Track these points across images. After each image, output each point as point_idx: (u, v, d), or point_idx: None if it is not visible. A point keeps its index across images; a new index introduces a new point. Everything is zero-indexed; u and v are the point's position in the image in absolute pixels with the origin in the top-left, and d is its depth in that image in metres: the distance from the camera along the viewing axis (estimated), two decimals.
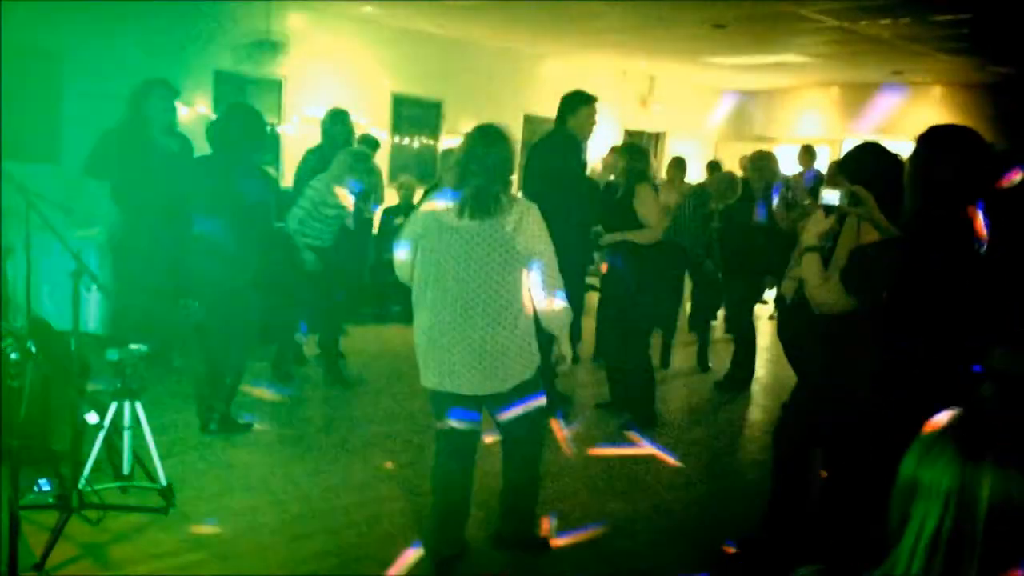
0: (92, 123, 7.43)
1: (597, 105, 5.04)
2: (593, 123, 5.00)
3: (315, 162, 5.72)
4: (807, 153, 9.38)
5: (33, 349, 2.24)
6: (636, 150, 5.30)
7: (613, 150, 6.75)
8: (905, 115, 11.31)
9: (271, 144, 8.18)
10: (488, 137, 3.02)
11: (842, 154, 5.06)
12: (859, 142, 3.29)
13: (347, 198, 5.41)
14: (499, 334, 2.95)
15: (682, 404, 6.05)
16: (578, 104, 4.93)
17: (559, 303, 3.04)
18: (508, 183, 3.02)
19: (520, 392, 3.08)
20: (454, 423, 3.12)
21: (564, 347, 3.17)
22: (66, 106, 7.69)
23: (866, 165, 3.04)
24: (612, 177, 5.85)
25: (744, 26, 8.28)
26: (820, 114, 12.74)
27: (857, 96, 12.09)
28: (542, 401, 3.19)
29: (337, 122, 5.98)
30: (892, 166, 2.92)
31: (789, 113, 13.22)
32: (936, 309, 2.20)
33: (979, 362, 2.19)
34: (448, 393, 3.04)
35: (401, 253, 3.13)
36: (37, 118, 7.59)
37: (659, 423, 5.27)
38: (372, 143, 7.61)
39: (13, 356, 2.31)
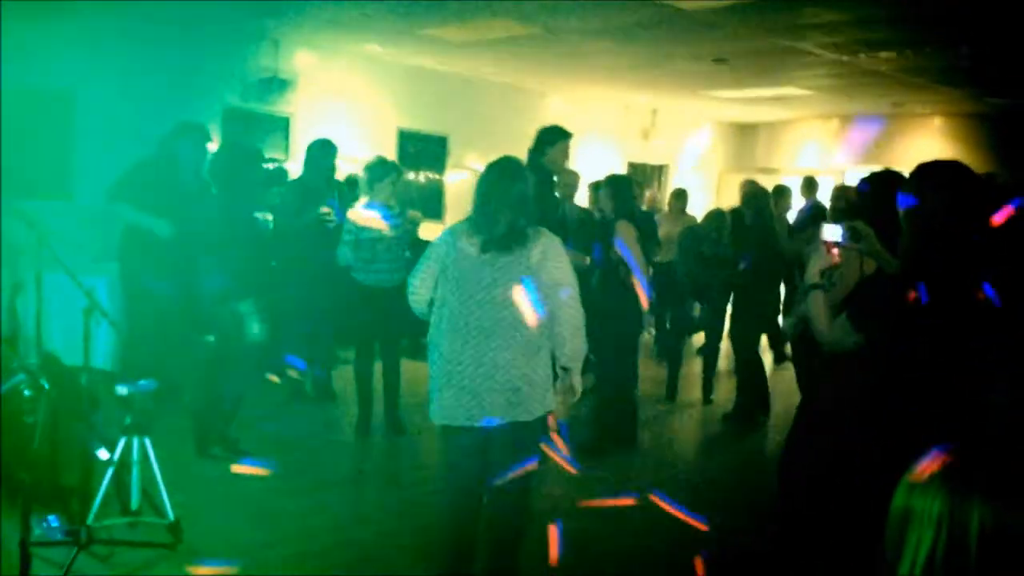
0: (104, 160, 7.58)
1: (596, 139, 5.16)
2: (566, 158, 5.08)
3: (296, 194, 5.66)
4: (808, 186, 9.45)
5: (46, 386, 2.27)
6: (617, 183, 5.31)
7: (597, 184, 6.77)
8: (905, 146, 11.40)
9: (276, 181, 8.28)
10: (509, 170, 3.05)
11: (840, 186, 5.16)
12: (866, 173, 3.34)
13: (379, 222, 5.23)
14: (524, 366, 2.94)
15: (689, 436, 6.04)
16: (556, 138, 5.01)
17: (579, 334, 3.05)
18: (530, 216, 3.04)
19: (531, 428, 3.03)
20: (464, 459, 3.07)
21: (576, 380, 3.14)
22: (78, 143, 7.81)
23: (879, 195, 3.06)
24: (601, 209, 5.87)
25: (745, 60, 8.40)
26: (821, 146, 12.85)
27: (857, 128, 12.19)
28: (541, 441, 3.15)
29: (327, 153, 5.91)
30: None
31: (790, 145, 13.33)
32: (926, 347, 2.22)
33: (972, 399, 2.20)
34: (460, 427, 3.00)
35: (418, 285, 3.11)
36: (50, 155, 7.71)
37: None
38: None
39: (27, 392, 2.35)
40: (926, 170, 2.36)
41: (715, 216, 6.97)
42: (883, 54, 7.73)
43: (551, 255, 2.98)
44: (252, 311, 4.56)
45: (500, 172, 3.05)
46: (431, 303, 3.09)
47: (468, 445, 3.04)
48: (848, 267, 3.01)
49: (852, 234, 2.64)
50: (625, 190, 5.23)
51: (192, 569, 3.24)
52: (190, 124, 5.34)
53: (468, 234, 3.01)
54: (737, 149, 13.92)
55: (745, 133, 13.85)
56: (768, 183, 8.60)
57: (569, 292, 3.01)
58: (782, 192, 7.48)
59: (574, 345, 3.05)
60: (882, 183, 3.24)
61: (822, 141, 12.85)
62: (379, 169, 5.38)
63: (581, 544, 3.87)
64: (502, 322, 2.92)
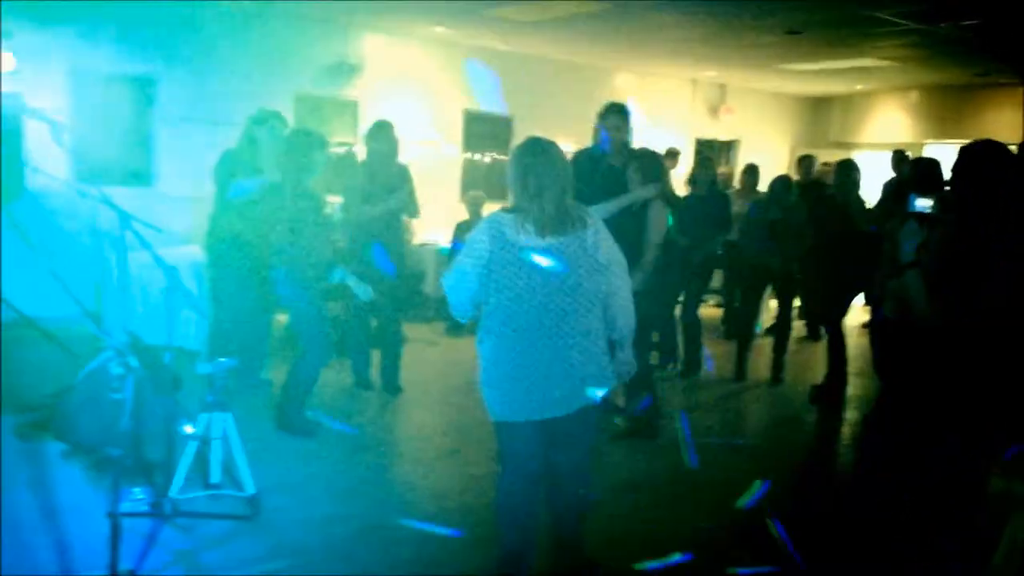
0: (182, 146, 7.84)
1: (663, 116, 5.06)
2: (618, 132, 4.92)
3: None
4: (900, 160, 9.08)
5: (135, 364, 2.37)
6: (645, 159, 5.01)
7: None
8: (988, 118, 10.89)
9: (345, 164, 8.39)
10: (548, 150, 2.91)
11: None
12: (946, 146, 3.23)
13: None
14: (590, 346, 2.90)
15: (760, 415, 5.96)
16: (605, 112, 4.96)
17: (631, 310, 3.02)
18: (572, 195, 2.97)
19: (593, 410, 3.00)
20: (526, 447, 2.99)
21: (629, 354, 3.11)
22: (157, 130, 8.07)
23: (976, 167, 2.96)
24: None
25: (819, 31, 8.14)
26: (899, 119, 12.39)
27: (938, 99, 11.72)
28: (596, 422, 3.12)
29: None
30: (1003, 167, 2.83)
31: (866, 119, 12.89)
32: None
33: None
34: (519, 421, 2.93)
35: (459, 282, 2.91)
36: (131, 143, 7.99)
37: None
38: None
39: (116, 371, 2.46)
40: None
41: (780, 180, 6.79)
42: (966, 22, 7.39)
43: (603, 233, 2.94)
44: (354, 278, 4.69)
45: (537, 152, 2.90)
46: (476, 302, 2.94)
47: (531, 435, 2.97)
48: (941, 242, 2.88)
49: (943, 206, 2.52)
50: (651, 168, 5.04)
51: None
52: (267, 112, 5.44)
53: (515, 222, 2.85)
54: (810, 123, 13.53)
55: (819, 106, 13.45)
56: (843, 157, 8.39)
57: (621, 268, 2.98)
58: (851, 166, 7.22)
59: (626, 321, 3.02)
60: (974, 154, 3.13)
61: (900, 114, 12.39)
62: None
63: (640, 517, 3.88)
64: (566, 309, 2.84)
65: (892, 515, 3.34)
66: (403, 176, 5.77)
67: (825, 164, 9.12)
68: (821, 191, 7.19)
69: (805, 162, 8.43)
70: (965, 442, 2.70)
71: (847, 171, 6.27)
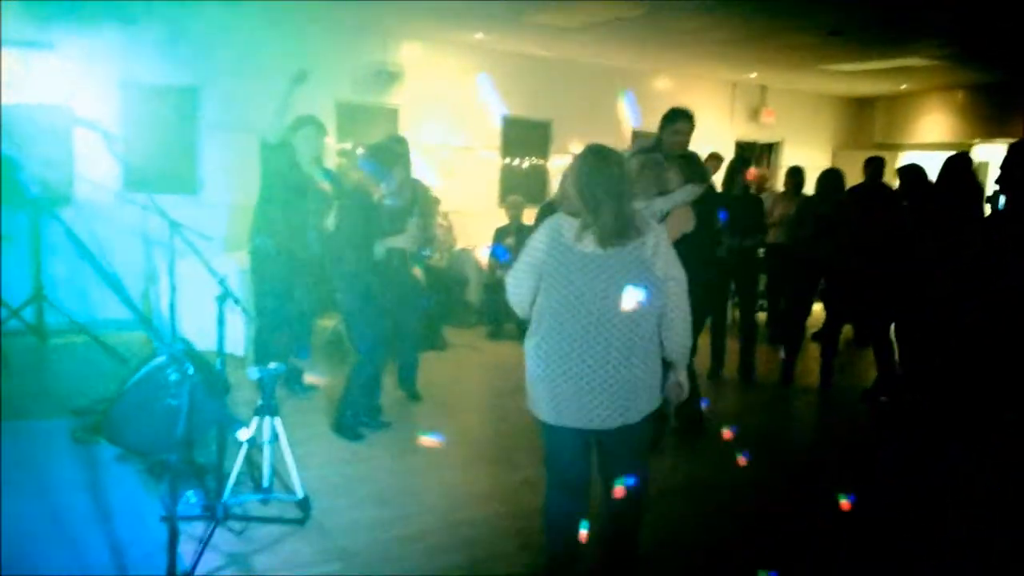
0: (226, 155, 7.96)
1: (703, 118, 5.01)
2: (677, 138, 4.98)
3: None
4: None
5: (191, 371, 2.40)
6: (684, 161, 4.97)
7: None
8: None
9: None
10: (608, 158, 2.88)
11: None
12: (994, 146, 3.19)
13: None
14: (636, 365, 2.83)
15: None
16: (664, 121, 5.05)
17: (688, 328, 2.94)
18: (632, 204, 2.93)
19: (642, 426, 2.95)
20: (572, 457, 2.97)
21: (682, 376, 3.02)
22: (201, 139, 8.20)
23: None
24: None
25: (861, 31, 8.01)
26: (945, 119, 12.15)
27: (985, 99, 11.46)
28: (649, 432, 3.07)
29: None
30: None
31: (911, 119, 12.66)
32: None
33: None
34: (567, 427, 2.91)
35: (519, 280, 2.95)
36: (176, 151, 8.14)
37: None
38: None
39: (173, 377, 2.49)
40: None
41: (829, 174, 6.67)
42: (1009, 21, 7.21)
43: (664, 246, 2.86)
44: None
45: (597, 159, 2.87)
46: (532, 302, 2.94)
47: (577, 444, 2.95)
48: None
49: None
50: (695, 169, 4.99)
51: None
52: (304, 118, 5.51)
53: (574, 229, 2.83)
54: (853, 124, 13.32)
55: (862, 107, 13.24)
56: (888, 159, 8.22)
57: (679, 285, 2.89)
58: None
59: (683, 341, 2.92)
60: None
61: (946, 114, 12.14)
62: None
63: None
64: (619, 321, 2.78)
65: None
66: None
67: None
68: (888, 195, 6.97)
69: (874, 164, 8.02)
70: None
71: (918, 176, 6.11)
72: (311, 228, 5.40)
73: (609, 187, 2.81)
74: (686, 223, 4.58)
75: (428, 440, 4.81)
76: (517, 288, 2.96)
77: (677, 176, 4.69)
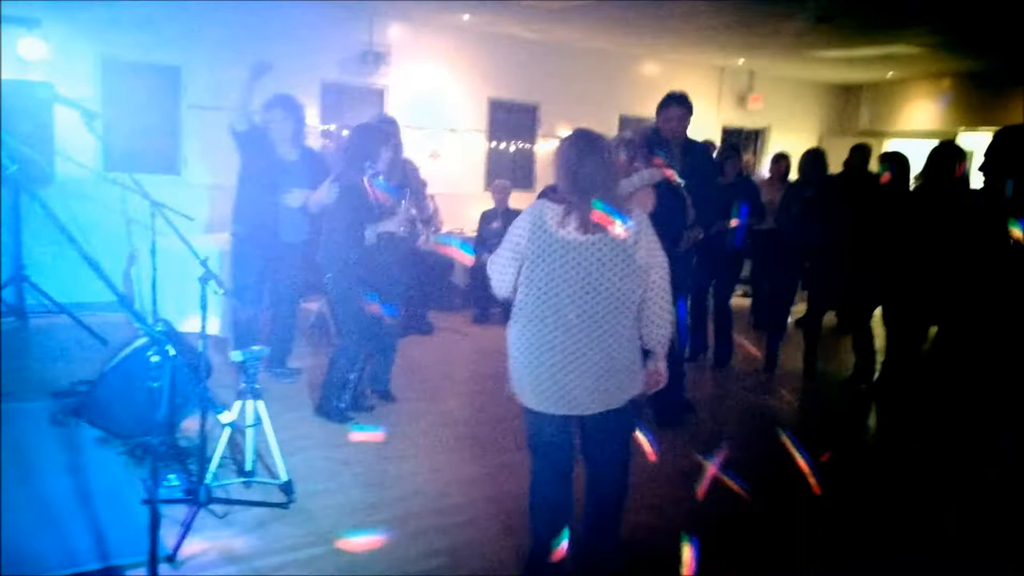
0: (208, 135, 7.87)
1: (690, 104, 4.97)
2: (670, 125, 4.95)
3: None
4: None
5: (172, 353, 2.37)
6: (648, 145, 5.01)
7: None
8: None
9: None
10: (596, 143, 2.89)
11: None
12: (979, 135, 3.20)
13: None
14: (618, 351, 2.84)
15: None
16: (658, 107, 5.02)
17: (669, 317, 2.94)
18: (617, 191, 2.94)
19: (624, 412, 2.96)
20: (556, 443, 2.98)
21: (661, 364, 3.02)
22: (184, 119, 8.10)
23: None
24: None
25: (849, 18, 8.00)
26: (931, 107, 12.18)
27: (971, 87, 11.50)
28: (633, 417, 3.06)
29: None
30: None
31: (897, 107, 12.69)
32: None
33: None
34: (550, 413, 2.91)
35: (501, 267, 2.95)
36: (159, 131, 8.03)
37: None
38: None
39: (154, 359, 2.45)
40: None
41: (810, 154, 6.67)
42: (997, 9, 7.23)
43: (645, 234, 2.86)
44: None
45: (586, 143, 2.88)
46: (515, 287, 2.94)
47: (560, 429, 2.96)
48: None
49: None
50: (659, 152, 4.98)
51: None
52: (273, 100, 5.37)
53: (559, 213, 2.83)
54: (839, 112, 13.35)
55: (848, 95, 13.26)
56: (875, 146, 8.23)
57: (661, 274, 2.90)
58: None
59: (663, 329, 2.94)
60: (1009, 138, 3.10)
61: (932, 102, 12.18)
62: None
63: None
64: (600, 308, 2.79)
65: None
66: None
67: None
68: (872, 183, 6.97)
69: (859, 152, 7.99)
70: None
71: (902, 164, 6.11)
72: (290, 212, 5.33)
73: (596, 172, 2.82)
74: (646, 205, 4.58)
75: (362, 436, 4.70)
76: (500, 275, 2.96)
77: (644, 159, 4.67)
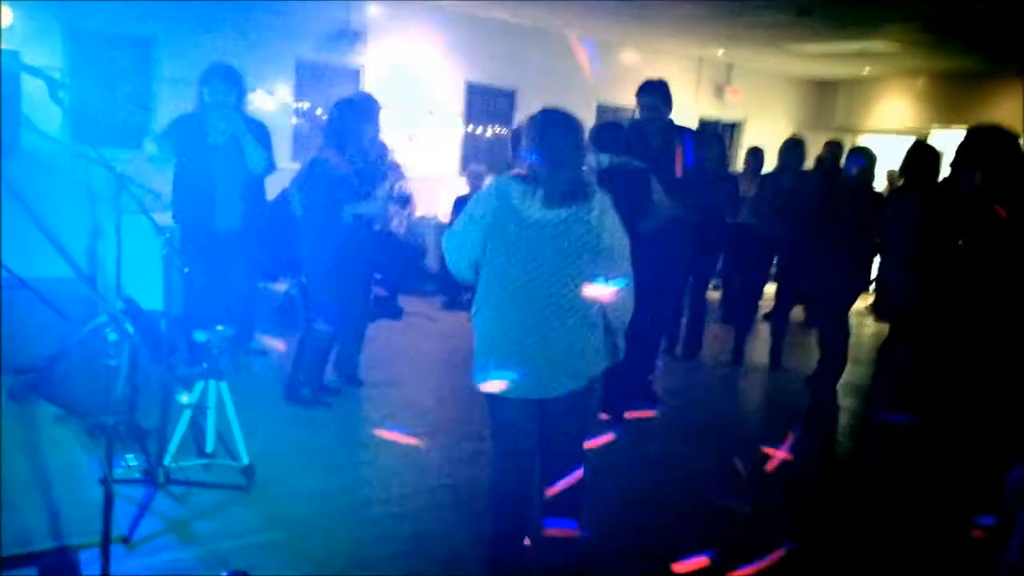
0: (182, 109, 7.72)
1: (664, 91, 4.98)
2: (644, 113, 4.97)
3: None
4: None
5: (131, 331, 2.32)
6: (604, 129, 5.09)
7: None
8: (996, 106, 10.79)
9: None
10: (566, 121, 2.85)
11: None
12: (951, 133, 3.23)
13: None
14: (582, 332, 2.82)
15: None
16: (636, 93, 5.02)
17: (631, 297, 2.93)
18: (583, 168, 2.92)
19: (585, 392, 2.95)
20: (518, 428, 2.95)
21: (620, 341, 3.02)
22: (156, 93, 7.95)
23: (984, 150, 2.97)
24: None
25: (829, 11, 8.03)
26: (905, 105, 12.30)
27: (945, 86, 11.62)
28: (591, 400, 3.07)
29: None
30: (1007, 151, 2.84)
31: (872, 104, 12.79)
32: None
33: None
34: (509, 397, 2.88)
35: (460, 238, 2.87)
36: (128, 105, 7.87)
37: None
38: None
39: (112, 337, 2.41)
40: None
41: (789, 143, 6.69)
42: (978, 6, 7.28)
43: (608, 212, 2.82)
44: None
45: (556, 121, 2.84)
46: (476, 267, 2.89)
47: (523, 414, 2.93)
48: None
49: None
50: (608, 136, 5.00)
51: None
52: (209, 70, 5.06)
53: (523, 190, 2.78)
54: (815, 107, 13.43)
55: (824, 90, 13.34)
56: (847, 143, 8.30)
57: (623, 252, 2.87)
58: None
59: (625, 308, 2.93)
60: (979, 137, 3.13)
61: (906, 100, 12.29)
62: None
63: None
64: (565, 288, 2.76)
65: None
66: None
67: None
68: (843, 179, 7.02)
69: (832, 148, 8.04)
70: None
71: (869, 159, 6.13)
72: (236, 198, 5.12)
73: (565, 147, 2.78)
74: None
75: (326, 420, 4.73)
76: (458, 252, 2.89)
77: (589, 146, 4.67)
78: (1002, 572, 2.61)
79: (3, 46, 6.80)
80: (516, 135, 7.11)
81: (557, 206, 2.76)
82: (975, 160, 3.81)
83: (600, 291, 2.79)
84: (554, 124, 2.83)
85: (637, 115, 5.06)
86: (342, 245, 4.68)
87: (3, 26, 6.93)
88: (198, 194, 5.08)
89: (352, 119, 4.71)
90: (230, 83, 5.00)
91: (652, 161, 4.75)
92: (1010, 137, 3.75)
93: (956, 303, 3.63)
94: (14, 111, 6.64)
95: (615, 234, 2.85)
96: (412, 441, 4.47)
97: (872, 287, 6.54)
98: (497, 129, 10.38)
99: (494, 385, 2.88)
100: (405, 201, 8.27)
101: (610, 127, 5.13)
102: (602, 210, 2.81)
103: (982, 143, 3.79)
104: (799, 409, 5.70)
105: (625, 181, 4.55)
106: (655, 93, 4.94)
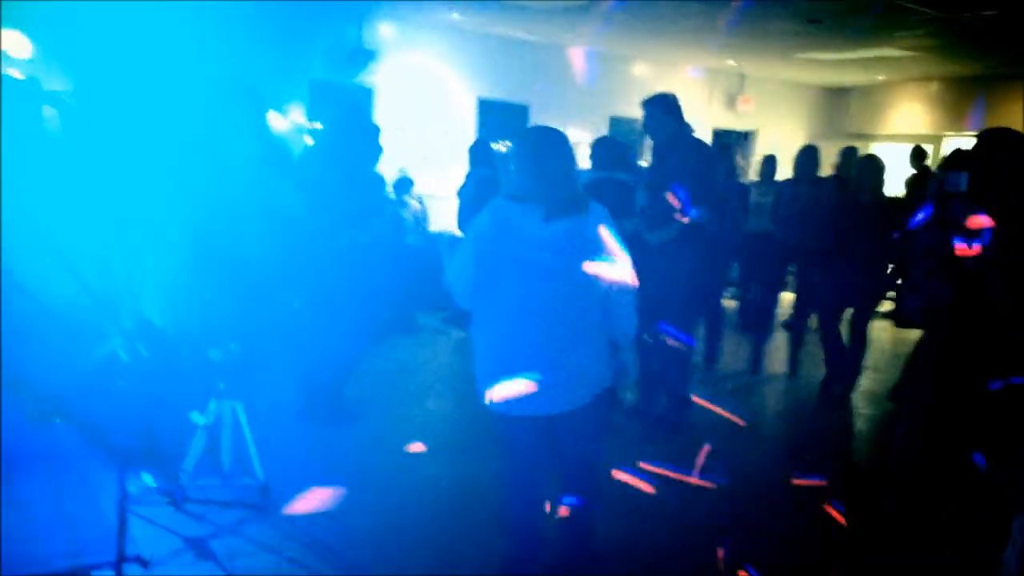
0: None
1: (667, 105, 4.98)
2: (650, 122, 4.95)
3: None
4: (917, 155, 8.89)
5: (144, 353, 2.34)
6: (600, 145, 5.22)
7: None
8: (1010, 111, 10.70)
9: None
10: (554, 139, 2.87)
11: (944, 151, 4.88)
12: (964, 139, 3.20)
13: None
14: (582, 347, 2.81)
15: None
16: (643, 106, 5.02)
17: (634, 309, 2.91)
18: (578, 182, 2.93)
19: (594, 408, 2.92)
20: (526, 446, 2.95)
21: (629, 356, 3.01)
22: None
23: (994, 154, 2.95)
24: None
25: (840, 20, 8.02)
26: (918, 111, 12.23)
27: (958, 91, 11.55)
28: (602, 414, 3.04)
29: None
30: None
31: (885, 110, 12.73)
32: None
33: None
34: (514, 415, 2.87)
35: (460, 264, 2.87)
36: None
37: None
38: None
39: (124, 358, 2.43)
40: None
41: (804, 151, 6.66)
42: (985, 12, 7.25)
43: (606, 223, 2.82)
44: None
45: (546, 137, 2.86)
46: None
47: (530, 432, 2.92)
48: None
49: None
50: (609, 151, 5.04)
51: None
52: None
53: (520, 208, 2.78)
54: (827, 114, 13.38)
55: (836, 97, 13.30)
56: (861, 149, 8.24)
57: (624, 266, 2.85)
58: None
59: (629, 321, 2.91)
60: (991, 142, 3.11)
61: (919, 105, 12.23)
62: None
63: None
64: (566, 303, 2.75)
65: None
66: None
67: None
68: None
69: (847, 154, 7.99)
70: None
71: (878, 168, 6.10)
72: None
73: (559, 163, 2.81)
74: None
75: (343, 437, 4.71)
76: (460, 277, 2.88)
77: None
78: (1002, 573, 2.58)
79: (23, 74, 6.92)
80: (478, 145, 7.13)
81: (556, 221, 2.77)
82: (988, 163, 3.77)
83: (603, 268, 2.77)
84: (546, 141, 2.86)
85: (641, 127, 5.09)
86: (350, 265, 4.70)
87: (24, 58, 7.05)
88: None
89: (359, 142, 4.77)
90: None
91: (660, 173, 4.75)
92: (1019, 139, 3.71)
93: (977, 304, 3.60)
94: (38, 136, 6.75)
95: (612, 245, 2.84)
96: (426, 453, 4.47)
97: (890, 294, 6.48)
98: (510, 144, 10.42)
99: (498, 404, 2.87)
100: (418, 220, 8.32)
101: (602, 142, 5.18)
102: (599, 221, 2.82)
103: (994, 146, 3.75)
104: (816, 418, 5.66)
105: (609, 192, 4.59)
106: (656, 106, 4.95)
